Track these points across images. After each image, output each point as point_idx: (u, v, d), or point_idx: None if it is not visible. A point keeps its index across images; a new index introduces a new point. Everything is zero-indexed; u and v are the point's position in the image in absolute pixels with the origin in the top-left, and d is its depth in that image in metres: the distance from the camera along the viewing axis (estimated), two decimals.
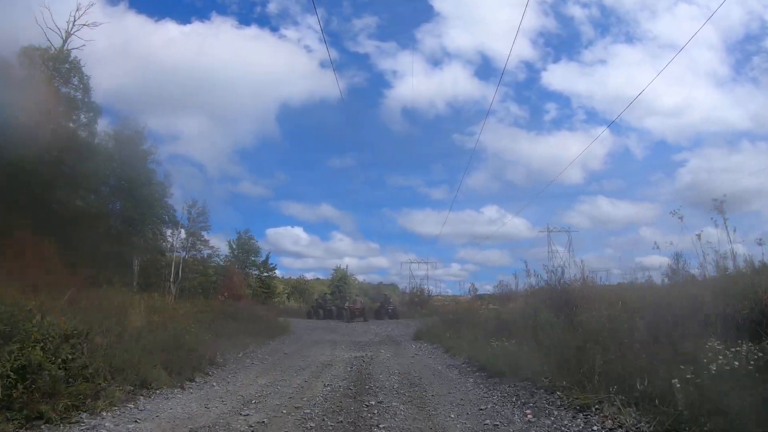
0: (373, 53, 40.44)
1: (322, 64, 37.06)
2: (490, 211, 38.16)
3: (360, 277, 39.89)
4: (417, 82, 36.00)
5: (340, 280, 43.93)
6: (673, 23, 32.76)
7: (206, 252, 38.53)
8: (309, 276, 43.32)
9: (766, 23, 31.96)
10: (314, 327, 23.26)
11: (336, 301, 34.28)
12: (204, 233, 36.38)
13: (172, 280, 28.83)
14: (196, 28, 38.89)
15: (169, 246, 31.20)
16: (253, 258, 45.66)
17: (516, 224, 38.67)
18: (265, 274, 45.74)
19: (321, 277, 44.64)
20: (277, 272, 45.17)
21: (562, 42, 36.12)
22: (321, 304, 32.44)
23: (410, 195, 44.00)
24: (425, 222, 43.02)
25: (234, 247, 45.22)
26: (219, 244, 39.62)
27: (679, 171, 37.37)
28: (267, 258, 46.37)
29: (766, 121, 31.66)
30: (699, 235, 8.08)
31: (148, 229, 26.61)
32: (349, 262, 46.45)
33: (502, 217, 35.56)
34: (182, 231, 30.78)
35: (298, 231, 41.95)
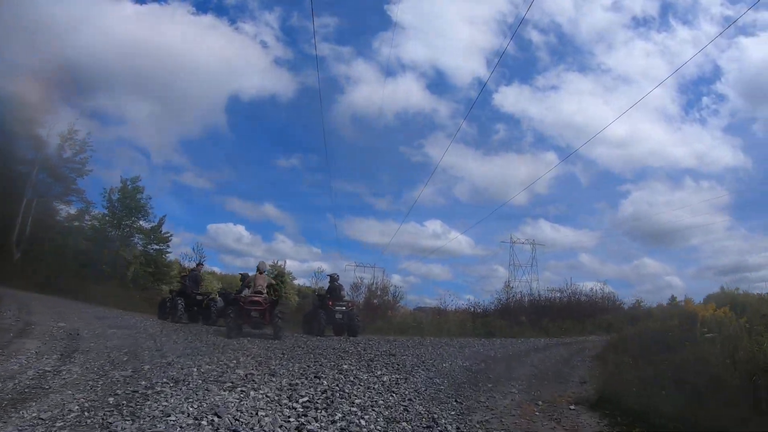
0: (329, 56, 38.22)
1: (276, 61, 36.88)
2: (434, 225, 38.51)
3: (300, 281, 32.98)
4: (369, 91, 37.40)
5: (276, 277, 31.68)
6: (627, 58, 35.00)
7: (79, 206, 26.16)
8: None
9: (719, 68, 34.34)
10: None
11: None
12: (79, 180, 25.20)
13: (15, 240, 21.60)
14: (152, 9, 36.48)
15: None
16: (139, 219, 28.99)
17: (459, 240, 37.56)
18: (155, 246, 29.54)
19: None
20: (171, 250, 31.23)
21: (517, 64, 37.81)
22: (184, 289, 15.57)
23: (355, 203, 42.61)
24: (369, 231, 41.26)
25: (113, 200, 28.22)
26: None
27: (621, 202, 38.22)
28: (160, 223, 29.67)
29: (710, 161, 34.32)
30: None
31: None
32: (291, 265, 42.46)
33: (446, 232, 37.12)
34: None
35: (240, 229, 38.23)
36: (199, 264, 17.65)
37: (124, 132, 40.23)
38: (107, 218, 28.70)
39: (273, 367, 6.61)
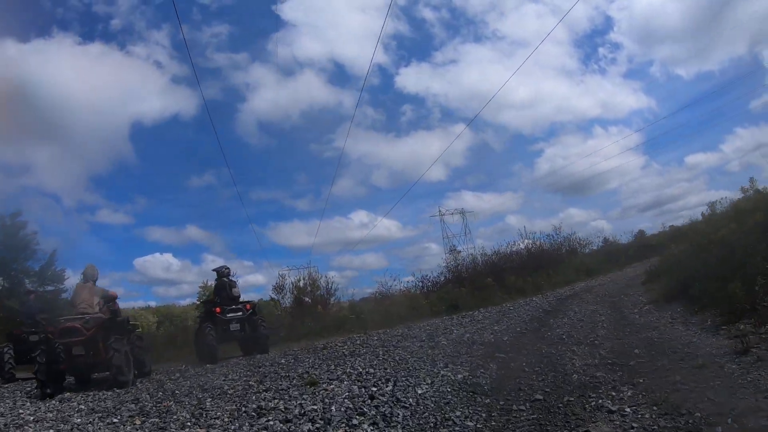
0: (225, 66, 38.73)
1: (174, 80, 34.88)
2: (359, 216, 38.55)
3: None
4: (270, 94, 36.94)
5: (208, 297, 27.22)
6: (520, 22, 35.80)
7: None
8: (184, 303, 34.63)
9: (611, 18, 37.00)
10: None
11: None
12: None
13: None
14: (37, 45, 31.69)
15: None
16: (25, 260, 22.96)
17: (387, 226, 38.76)
18: (49, 287, 23.34)
19: (198, 302, 34.47)
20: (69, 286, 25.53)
21: (414, 44, 38.20)
22: (12, 332, 10.03)
23: (276, 209, 41.30)
24: (295, 234, 40.81)
25: None
26: None
27: (537, 160, 40.82)
28: (51, 261, 23.47)
29: (615, 107, 36.21)
30: None
31: None
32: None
33: (373, 220, 37.46)
34: None
35: (168, 257, 36.00)
36: (29, 291, 12.05)
37: (29, 180, 36.64)
38: None
39: None
